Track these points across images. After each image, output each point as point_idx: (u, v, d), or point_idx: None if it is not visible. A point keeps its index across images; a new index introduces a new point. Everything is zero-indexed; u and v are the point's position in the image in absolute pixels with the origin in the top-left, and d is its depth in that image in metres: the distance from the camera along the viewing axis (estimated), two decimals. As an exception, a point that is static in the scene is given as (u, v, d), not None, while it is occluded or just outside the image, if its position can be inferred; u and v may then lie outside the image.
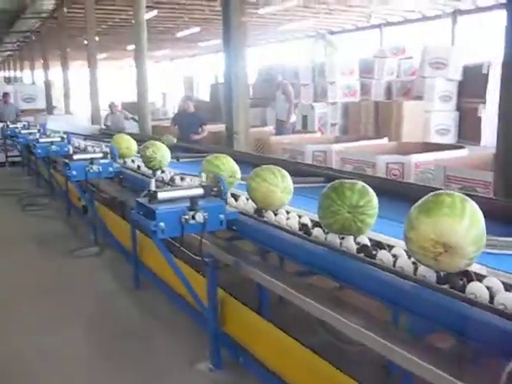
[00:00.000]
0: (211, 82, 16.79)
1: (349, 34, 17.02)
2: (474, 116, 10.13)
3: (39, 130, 6.81)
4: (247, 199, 2.79)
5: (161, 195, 2.45)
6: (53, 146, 5.65)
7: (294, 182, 2.64)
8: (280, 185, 2.51)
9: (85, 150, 5.26)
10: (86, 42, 15.81)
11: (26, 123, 8.10)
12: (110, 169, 4.14)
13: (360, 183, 2.10)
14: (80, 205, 4.97)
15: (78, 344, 3.15)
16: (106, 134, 7.93)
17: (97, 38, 11.90)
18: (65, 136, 5.97)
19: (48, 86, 16.40)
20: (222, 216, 2.49)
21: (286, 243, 2.30)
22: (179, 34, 18.21)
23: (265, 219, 2.56)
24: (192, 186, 2.63)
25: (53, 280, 4.25)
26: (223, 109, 13.64)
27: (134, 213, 2.55)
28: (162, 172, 3.80)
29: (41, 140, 5.93)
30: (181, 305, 3.33)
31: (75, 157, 4.20)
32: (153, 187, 2.46)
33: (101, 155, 4.21)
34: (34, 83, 19.05)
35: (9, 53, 25.37)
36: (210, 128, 9.55)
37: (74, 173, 4.05)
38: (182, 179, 3.42)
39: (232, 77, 5.98)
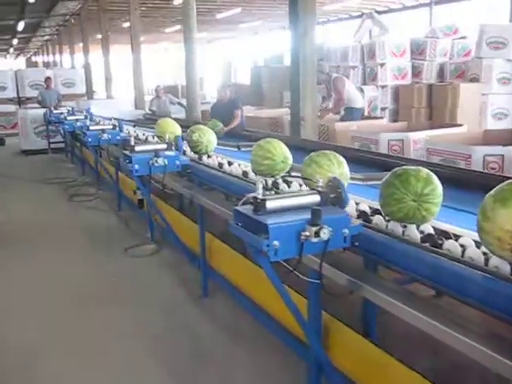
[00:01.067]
0: (251, 65, 16.13)
1: (395, 14, 15.99)
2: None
3: (86, 117, 6.33)
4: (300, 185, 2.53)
5: (270, 204, 1.85)
6: (104, 134, 5.14)
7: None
8: (336, 171, 2.35)
9: (146, 140, 4.81)
10: (125, 24, 15.38)
11: (69, 108, 7.61)
12: (177, 162, 3.55)
13: (425, 170, 2.00)
14: (135, 197, 4.46)
15: (149, 370, 2.60)
16: (152, 120, 7.38)
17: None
18: (116, 123, 5.46)
19: (88, 70, 15.94)
20: (346, 231, 1.87)
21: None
22: (219, 16, 17.46)
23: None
24: (307, 192, 2.00)
25: (110, 285, 3.77)
26: (267, 92, 13.00)
27: (233, 226, 1.94)
28: (209, 157, 3.73)
29: (91, 127, 5.43)
30: (265, 322, 2.75)
31: (137, 148, 3.60)
32: (260, 193, 1.85)
33: (165, 146, 3.63)
34: (73, 67, 18.61)
35: (47, 37, 24.99)
36: (255, 113, 9.01)
37: (137, 167, 3.44)
38: (229, 164, 3.40)
39: (300, 57, 5.17)
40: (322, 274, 1.91)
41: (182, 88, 18.84)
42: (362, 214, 2.22)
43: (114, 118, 5.75)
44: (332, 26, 19.55)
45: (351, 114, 7.96)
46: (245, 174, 3.10)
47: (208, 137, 3.69)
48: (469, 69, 10.28)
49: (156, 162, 3.44)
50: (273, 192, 2.13)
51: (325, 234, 1.76)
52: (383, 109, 10.92)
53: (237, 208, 1.96)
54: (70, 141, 8.33)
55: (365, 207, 2.29)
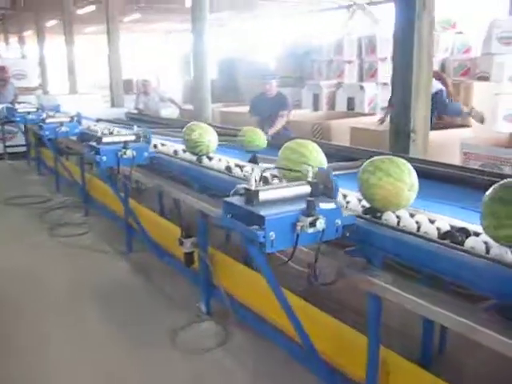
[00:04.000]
0: (218, 58, 16.52)
1: (383, 6, 16.43)
2: None
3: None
4: (360, 200, 2.59)
5: (263, 195, 2.19)
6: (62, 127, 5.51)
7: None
8: (407, 181, 2.33)
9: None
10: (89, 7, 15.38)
11: (37, 106, 7.51)
12: (145, 154, 3.97)
13: None
14: (179, 250, 3.73)
15: None
16: (140, 121, 6.99)
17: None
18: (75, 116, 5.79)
19: (43, 61, 16.13)
20: (338, 221, 2.23)
21: (431, 255, 2.08)
22: (187, 4, 17.76)
23: (384, 222, 2.36)
24: (298, 183, 2.36)
25: None
26: (245, 87, 13.09)
27: (224, 217, 2.28)
28: (209, 159, 3.74)
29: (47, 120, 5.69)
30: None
31: (105, 139, 3.94)
32: (253, 184, 2.19)
33: (133, 138, 4.03)
34: (24, 57, 18.79)
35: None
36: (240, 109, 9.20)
37: (105, 158, 3.80)
38: (240, 167, 3.41)
39: (414, 42, 4.10)
40: (315, 265, 2.25)
41: (137, 83, 19.11)
42: (447, 235, 2.22)
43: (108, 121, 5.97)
44: (316, 16, 20.01)
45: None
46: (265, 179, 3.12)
47: (209, 136, 3.75)
48: (477, 66, 10.73)
49: (125, 153, 3.80)
50: (262, 184, 2.45)
51: (321, 223, 2.10)
52: (384, 108, 11.30)
53: (227, 199, 2.28)
54: (36, 146, 8.03)
55: (444, 225, 2.29)
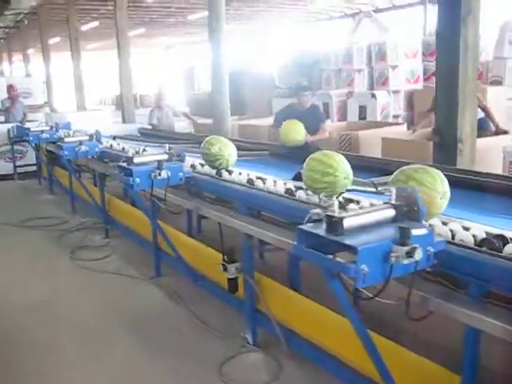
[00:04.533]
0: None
1: (387, 13, 16.31)
2: None
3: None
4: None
5: (348, 222, 1.91)
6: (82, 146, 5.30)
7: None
8: (440, 189, 2.29)
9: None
10: (93, 24, 15.19)
11: (51, 125, 7.18)
12: (180, 174, 3.68)
13: None
14: (220, 276, 3.42)
15: None
16: (154, 136, 6.95)
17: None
18: (94, 134, 5.54)
19: (49, 78, 15.90)
20: (430, 249, 1.95)
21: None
22: (190, 17, 17.61)
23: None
24: (381, 206, 2.08)
25: None
26: (250, 100, 12.83)
27: (298, 248, 2.00)
28: (229, 173, 3.65)
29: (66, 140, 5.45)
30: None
31: (137, 160, 3.66)
32: (336, 210, 1.92)
33: (166, 157, 3.75)
34: (28, 75, 18.61)
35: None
36: (251, 122, 8.96)
37: (138, 181, 3.51)
38: (262, 180, 3.31)
39: (460, 47, 3.84)
40: (409, 299, 1.96)
41: (140, 98, 18.99)
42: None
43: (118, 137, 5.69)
44: (322, 25, 19.89)
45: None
46: (289, 191, 3.07)
47: (229, 150, 3.70)
48: (489, 70, 10.54)
49: (159, 174, 3.52)
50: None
51: (419, 254, 1.83)
52: (395, 116, 11.12)
53: (302, 227, 2.01)
54: (48, 165, 7.73)
55: (479, 232, 2.21)
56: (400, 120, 11.10)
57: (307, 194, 2.92)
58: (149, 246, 4.79)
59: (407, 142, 5.45)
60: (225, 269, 3.34)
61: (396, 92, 11.06)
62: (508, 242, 2.09)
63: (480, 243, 2.14)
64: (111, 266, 4.99)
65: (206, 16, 16.81)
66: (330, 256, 1.90)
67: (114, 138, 6.36)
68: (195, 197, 3.80)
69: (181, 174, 3.66)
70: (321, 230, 1.96)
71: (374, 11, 16.47)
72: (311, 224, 2.05)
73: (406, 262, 1.83)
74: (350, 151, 5.94)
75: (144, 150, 4.17)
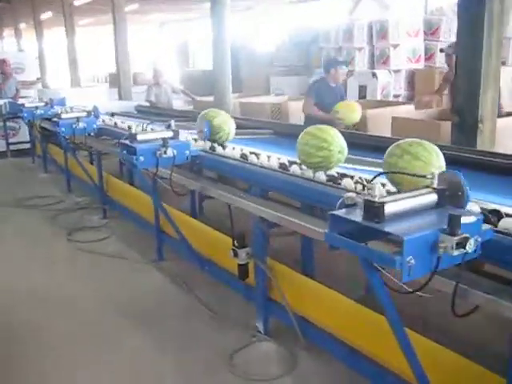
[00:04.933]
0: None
1: None
2: None
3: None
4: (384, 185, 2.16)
5: (389, 208, 1.70)
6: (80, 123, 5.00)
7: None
8: (435, 163, 2.17)
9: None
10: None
11: (47, 100, 6.86)
12: (187, 152, 3.43)
13: None
14: (231, 261, 3.20)
15: None
16: (152, 113, 6.47)
17: None
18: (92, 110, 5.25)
19: (42, 53, 15.44)
20: (478, 238, 1.74)
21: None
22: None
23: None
24: (422, 191, 1.86)
25: None
26: (246, 78, 12.45)
27: (332, 235, 1.79)
28: (223, 147, 3.52)
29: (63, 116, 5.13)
30: None
31: (140, 137, 3.41)
32: (377, 195, 1.70)
33: (171, 134, 3.51)
34: (21, 50, 18.11)
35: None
36: (248, 99, 8.67)
37: (142, 159, 3.26)
38: (256, 155, 3.17)
39: (485, 20, 3.54)
40: (455, 295, 1.76)
41: (134, 75, 18.57)
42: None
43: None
44: (321, 2, 19.46)
45: None
46: (283, 166, 2.91)
47: (230, 125, 3.62)
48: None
49: (164, 152, 3.29)
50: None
51: (470, 245, 1.62)
52: (396, 96, 10.91)
53: (335, 213, 1.81)
54: (42, 142, 7.42)
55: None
56: (400, 99, 10.90)
57: (301, 169, 2.80)
58: (150, 228, 4.57)
59: (418, 122, 5.22)
60: (235, 254, 3.13)
61: (397, 71, 10.83)
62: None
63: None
64: (111, 247, 4.78)
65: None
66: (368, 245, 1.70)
67: (113, 114, 6.09)
68: (201, 177, 3.57)
69: (187, 152, 3.42)
70: (356, 215, 1.76)
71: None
72: (344, 210, 1.85)
73: (455, 253, 1.63)
74: (359, 130, 5.72)
75: (148, 127, 3.92)
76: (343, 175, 2.60)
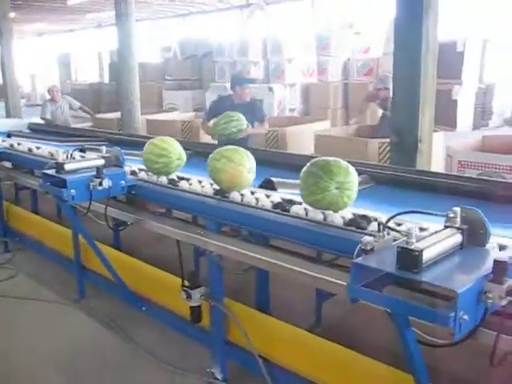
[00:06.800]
0: (109, 60, 15.59)
1: (284, 5, 16.27)
2: (448, 98, 10.09)
3: None
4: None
5: (427, 255, 1.50)
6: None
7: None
8: (246, 165, 2.63)
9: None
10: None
11: None
12: (122, 182, 3.02)
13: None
14: (180, 305, 2.90)
15: None
16: (47, 132, 5.84)
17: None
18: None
19: None
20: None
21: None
22: (70, 2, 16.30)
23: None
24: (448, 233, 1.68)
25: None
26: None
27: (354, 287, 1.55)
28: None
29: None
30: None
31: (68, 166, 2.97)
32: (413, 241, 1.50)
33: (103, 162, 3.07)
34: None
35: None
36: (155, 116, 8.18)
37: (74, 192, 2.81)
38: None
39: (422, 46, 3.60)
40: (495, 346, 1.59)
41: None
42: (278, 205, 2.48)
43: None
44: (208, 17, 19.37)
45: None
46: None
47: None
48: (380, 65, 10.88)
49: (99, 184, 2.87)
50: (386, 233, 1.76)
51: None
52: (291, 110, 11.05)
53: (358, 261, 1.58)
54: None
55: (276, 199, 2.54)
56: (295, 113, 11.04)
57: (148, 175, 3.14)
58: (66, 263, 4.05)
59: (342, 140, 5.15)
60: (188, 296, 2.77)
61: (292, 85, 10.98)
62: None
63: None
64: (21, 288, 4.14)
65: (85, 1, 15.70)
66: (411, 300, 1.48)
67: (9, 135, 5.37)
68: (140, 209, 3.17)
69: (123, 182, 3.02)
70: (386, 265, 1.53)
71: (265, 3, 16.28)
72: (361, 257, 1.63)
73: (503, 303, 1.46)
74: (278, 149, 5.54)
75: (74, 153, 3.42)
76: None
